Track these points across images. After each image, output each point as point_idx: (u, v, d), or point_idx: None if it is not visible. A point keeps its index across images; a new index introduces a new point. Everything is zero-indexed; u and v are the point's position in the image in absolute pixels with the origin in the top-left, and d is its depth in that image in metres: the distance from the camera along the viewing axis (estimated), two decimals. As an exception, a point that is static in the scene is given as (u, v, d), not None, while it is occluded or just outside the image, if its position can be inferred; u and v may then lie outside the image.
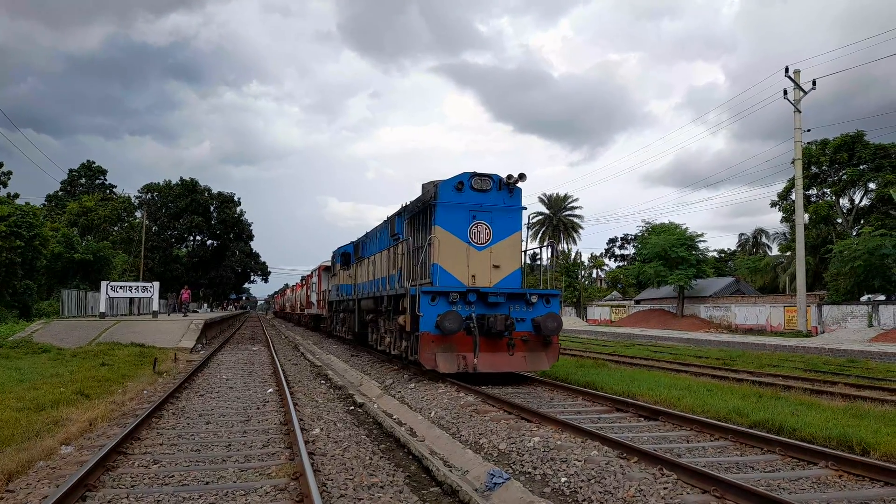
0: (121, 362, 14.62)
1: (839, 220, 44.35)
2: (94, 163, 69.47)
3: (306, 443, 6.78)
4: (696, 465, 5.71)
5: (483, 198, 11.91)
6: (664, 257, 42.56)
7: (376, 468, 6.17)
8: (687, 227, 45.09)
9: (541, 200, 71.45)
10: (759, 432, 7.15)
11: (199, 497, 5.17)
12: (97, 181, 69.09)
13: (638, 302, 54.02)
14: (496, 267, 11.84)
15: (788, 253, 47.84)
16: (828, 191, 44.07)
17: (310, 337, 29.66)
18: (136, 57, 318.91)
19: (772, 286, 51.27)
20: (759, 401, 9.25)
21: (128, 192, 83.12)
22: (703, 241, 44.82)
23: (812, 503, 5.06)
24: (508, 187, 12.04)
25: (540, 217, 71.02)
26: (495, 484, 5.44)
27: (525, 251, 12.66)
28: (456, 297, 11.00)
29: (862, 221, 42.09)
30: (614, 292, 69.96)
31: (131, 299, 31.76)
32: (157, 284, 29.34)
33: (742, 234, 73.62)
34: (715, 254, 63.91)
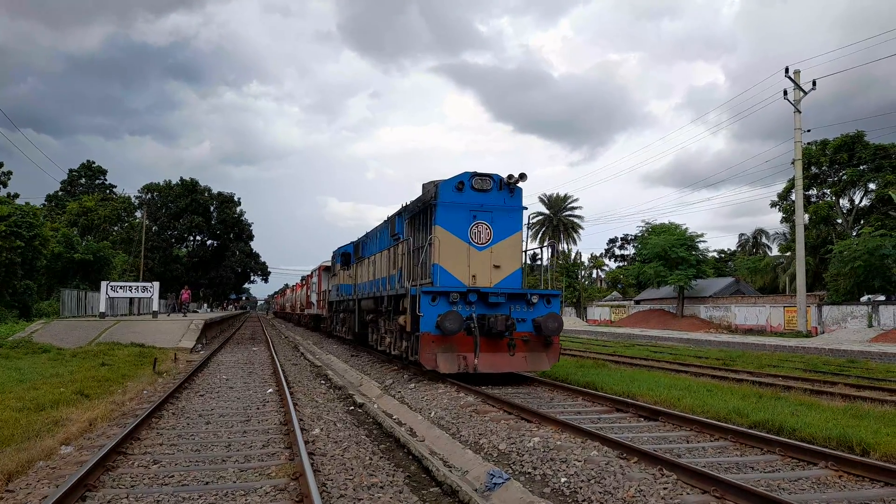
0: (121, 362, 14.62)
1: (839, 221, 44.36)
2: (94, 163, 69.54)
3: (306, 443, 6.78)
4: (696, 465, 5.70)
5: (484, 198, 11.90)
6: (664, 257, 42.57)
7: (376, 468, 6.17)
8: (687, 228, 45.15)
9: (541, 200, 71.54)
10: (759, 433, 7.15)
11: (198, 497, 5.17)
12: (97, 181, 69.12)
13: (638, 302, 54.03)
14: (497, 267, 11.84)
15: (788, 253, 47.84)
16: (828, 191, 44.09)
17: (310, 337, 29.66)
18: (136, 57, 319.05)
19: (772, 286, 51.28)
20: (758, 401, 9.25)
21: (128, 192, 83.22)
22: (703, 241, 44.88)
23: (812, 503, 5.06)
24: (509, 187, 12.03)
25: (540, 217, 71.08)
26: (495, 484, 5.44)
27: (525, 251, 12.66)
28: (456, 298, 10.99)
29: (862, 222, 42.11)
30: (614, 292, 69.98)
31: (131, 299, 31.77)
32: (157, 284, 29.34)
33: (742, 234, 73.73)
34: (715, 254, 63.99)
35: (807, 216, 40.20)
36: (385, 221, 15.88)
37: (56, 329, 20.85)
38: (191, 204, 70.90)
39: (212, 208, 74.94)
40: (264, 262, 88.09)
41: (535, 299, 11.50)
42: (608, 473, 5.54)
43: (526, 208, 12.54)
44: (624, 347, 24.49)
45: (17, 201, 39.42)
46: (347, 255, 20.76)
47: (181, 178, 74.51)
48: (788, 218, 44.77)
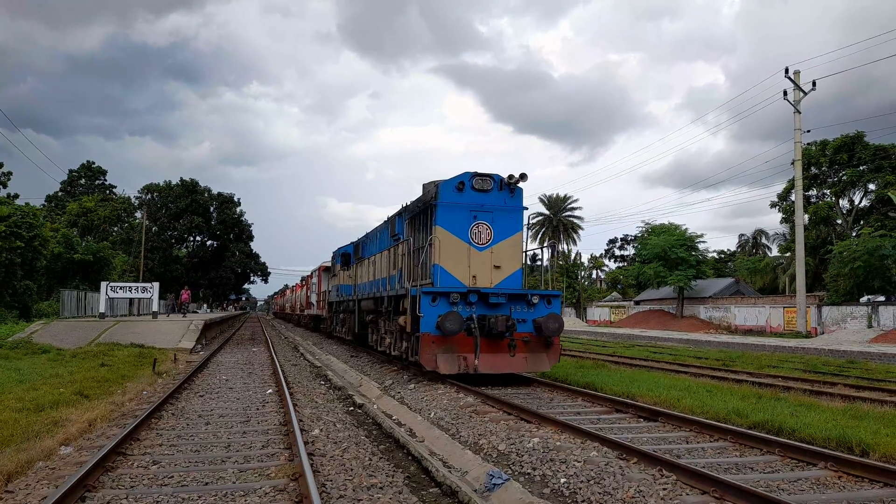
0: (120, 363, 14.62)
1: (839, 221, 44.37)
2: (93, 163, 69.51)
3: (306, 443, 6.78)
4: (696, 465, 5.70)
5: (484, 198, 11.88)
6: (664, 258, 42.57)
7: (376, 469, 6.17)
8: (687, 228, 45.16)
9: (541, 201, 71.56)
10: (758, 433, 7.15)
11: (198, 498, 5.17)
12: (97, 181, 69.10)
13: (637, 303, 54.01)
14: (497, 267, 11.82)
15: (788, 254, 47.83)
16: (827, 192, 44.10)
17: (309, 338, 29.66)
18: (135, 57, 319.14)
19: (771, 287, 51.28)
20: (758, 402, 9.26)
21: (128, 192, 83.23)
22: (703, 241, 44.88)
23: (811, 504, 5.07)
24: (509, 187, 12.01)
25: (540, 218, 71.10)
26: (494, 485, 5.44)
27: (525, 252, 12.65)
28: (457, 298, 10.97)
29: (861, 222, 42.11)
30: (614, 293, 69.99)
31: (131, 300, 31.76)
32: (156, 285, 29.33)
33: (742, 234, 73.72)
34: (714, 255, 63.97)
35: (806, 217, 40.20)
36: (385, 222, 15.87)
37: (56, 329, 20.85)
38: (191, 204, 70.90)
39: (212, 209, 74.94)
40: (264, 263, 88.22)
41: (535, 300, 11.49)
42: (608, 474, 5.54)
43: (526, 208, 12.53)
44: (623, 348, 24.48)
45: (17, 202, 39.45)
46: (347, 256, 20.76)
47: (181, 178, 74.54)
48: (788, 218, 44.77)
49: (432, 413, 8.92)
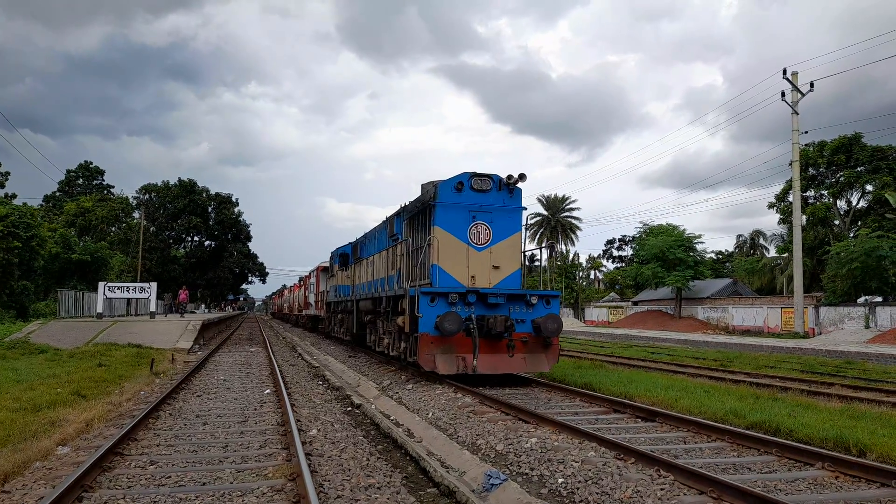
0: (118, 363, 14.60)
1: (836, 222, 44.44)
2: (91, 163, 69.42)
3: (303, 444, 6.78)
4: (693, 466, 5.71)
5: (483, 198, 11.87)
6: (662, 259, 42.60)
7: (373, 469, 6.17)
8: (685, 229, 45.19)
9: (539, 201, 71.58)
10: (755, 433, 7.16)
11: (195, 498, 5.16)
12: (95, 181, 69.00)
13: (636, 303, 54.05)
14: (496, 268, 11.82)
15: (786, 254, 47.92)
16: (825, 192, 44.16)
17: (307, 338, 29.63)
18: (134, 57, 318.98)
19: (769, 287, 51.36)
20: (756, 402, 9.27)
21: (126, 192, 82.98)
22: (701, 242, 44.91)
23: (809, 504, 5.07)
24: (508, 187, 12.00)
25: (538, 218, 71.14)
26: (492, 485, 5.44)
27: (524, 252, 12.64)
28: (455, 298, 10.96)
29: (859, 223, 42.18)
30: (612, 293, 70.03)
31: (129, 300, 31.69)
32: (154, 285, 29.28)
33: (740, 235, 73.79)
34: (712, 255, 64.01)
35: (804, 217, 40.28)
36: (384, 222, 15.87)
37: (53, 329, 20.80)
38: (189, 204, 70.80)
39: (210, 209, 74.85)
40: (262, 263, 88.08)
41: (534, 300, 11.48)
42: (605, 474, 5.54)
43: (525, 209, 12.51)
44: (621, 348, 24.50)
45: (15, 202, 39.35)
46: (346, 256, 20.73)
47: (179, 178, 74.45)
48: (786, 219, 44.86)
49: (430, 413, 8.91)
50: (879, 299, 31.97)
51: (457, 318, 10.60)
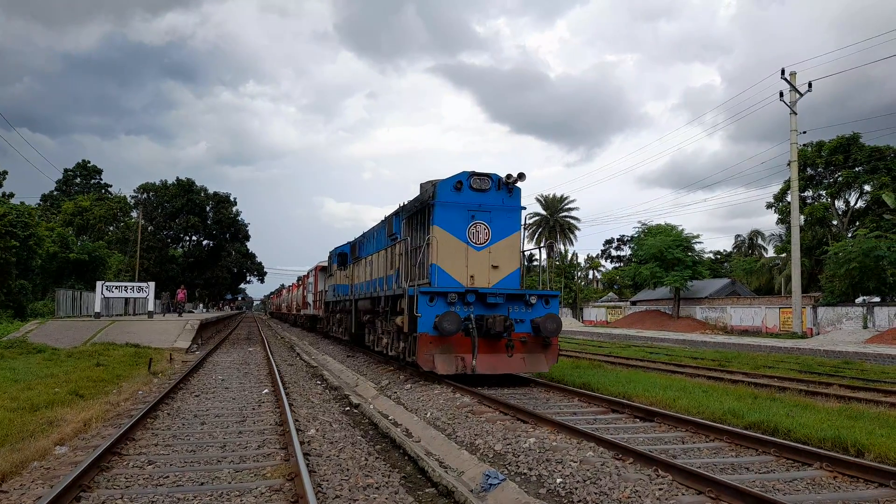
0: (116, 363, 14.57)
1: (834, 222, 44.50)
2: (89, 162, 69.43)
3: (302, 443, 6.77)
4: (692, 466, 5.71)
5: (482, 197, 11.84)
6: (660, 259, 42.63)
7: (372, 469, 6.17)
8: (683, 229, 45.22)
9: (538, 201, 71.57)
10: (754, 433, 7.16)
11: (193, 498, 5.15)
12: (93, 181, 68.95)
13: (634, 303, 54.09)
14: (495, 267, 11.80)
15: (784, 255, 47.97)
16: (823, 193, 44.22)
17: (306, 338, 29.61)
18: (132, 56, 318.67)
19: (767, 288, 51.40)
20: (754, 402, 9.28)
21: (123, 191, 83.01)
22: (699, 242, 44.99)
23: (807, 504, 5.08)
24: (507, 187, 11.97)
25: (537, 218, 71.12)
26: (491, 485, 5.44)
27: (523, 251, 12.63)
28: (454, 298, 10.94)
29: (857, 223, 42.23)
30: (610, 293, 70.07)
31: (127, 299, 31.65)
32: (152, 284, 29.26)
33: (738, 235, 73.82)
34: (711, 255, 64.08)
35: (802, 218, 40.31)
36: (382, 221, 15.85)
37: (51, 329, 20.76)
38: (187, 204, 70.72)
39: (208, 208, 74.77)
40: (260, 263, 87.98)
41: (533, 300, 11.46)
42: (604, 474, 5.54)
43: (524, 208, 12.50)
44: (620, 348, 24.52)
45: (13, 201, 39.30)
46: (344, 256, 20.71)
47: (177, 177, 74.44)
48: (784, 219, 44.90)
49: (429, 413, 8.91)
50: (877, 299, 32.02)
51: (456, 318, 10.58)
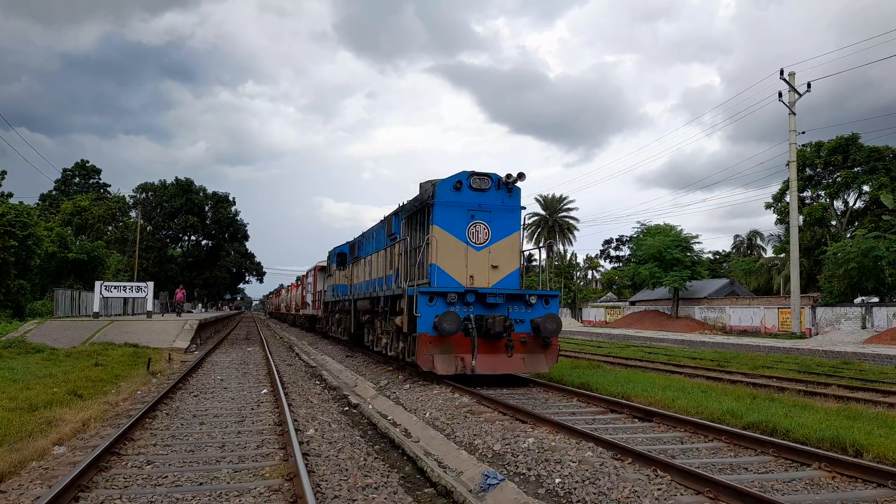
0: (114, 362, 14.56)
1: (833, 223, 44.53)
2: (88, 162, 69.36)
3: (300, 443, 6.77)
4: (690, 466, 5.72)
5: (482, 197, 11.83)
6: (659, 259, 42.65)
7: (371, 469, 6.17)
8: (682, 229, 45.21)
9: (537, 201, 71.58)
10: (752, 434, 7.17)
11: (192, 498, 5.15)
12: (91, 180, 68.88)
13: (633, 303, 54.11)
14: (495, 267, 11.79)
15: (783, 255, 47.99)
16: (822, 193, 44.26)
17: (305, 338, 29.60)
18: (130, 56, 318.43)
19: (766, 288, 51.43)
20: (752, 402, 9.28)
21: (122, 191, 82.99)
22: (698, 242, 45.04)
23: (805, 504, 5.08)
24: (507, 187, 11.96)
25: (536, 218, 71.14)
26: (490, 485, 5.44)
27: (523, 251, 12.62)
28: (454, 298, 10.93)
29: (856, 224, 42.26)
30: (609, 293, 70.08)
31: (125, 299, 31.64)
32: (151, 284, 29.24)
33: (737, 235, 73.91)
34: (710, 255, 64.12)
35: (801, 218, 40.33)
36: (381, 221, 15.85)
37: (49, 329, 20.74)
38: (185, 204, 70.68)
39: (207, 208, 74.73)
40: (259, 263, 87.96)
41: (533, 300, 11.45)
42: (603, 474, 5.55)
43: (524, 208, 12.48)
44: (619, 348, 24.52)
45: (11, 200, 39.25)
46: (343, 256, 20.70)
47: (176, 177, 74.38)
48: (783, 220, 44.92)
49: (427, 413, 8.91)
50: (876, 300, 32.05)
51: (455, 318, 10.57)
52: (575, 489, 5.32)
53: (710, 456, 6.57)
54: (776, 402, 9.44)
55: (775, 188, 46.75)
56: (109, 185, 69.16)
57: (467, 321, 10.76)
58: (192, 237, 75.85)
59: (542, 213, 71.60)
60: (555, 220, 71.05)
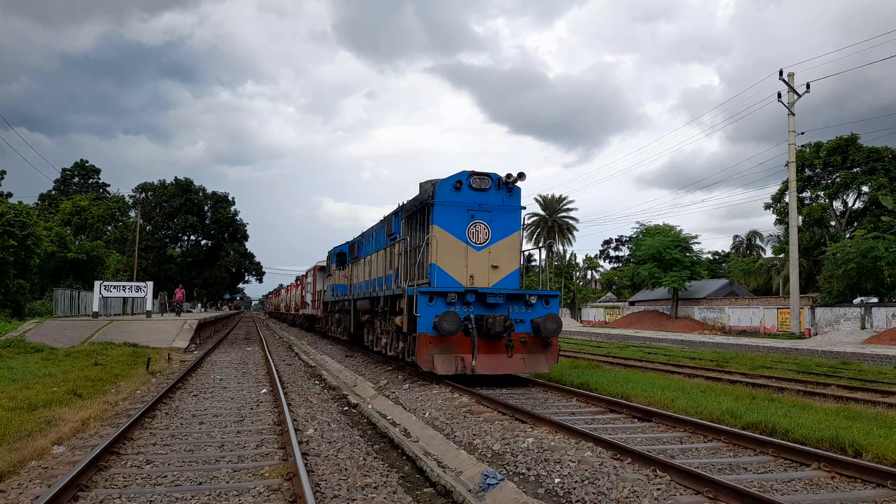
0: (114, 362, 14.55)
1: (832, 223, 44.56)
2: (87, 162, 69.21)
3: (300, 443, 6.77)
4: (690, 466, 5.72)
5: (482, 197, 11.82)
6: (658, 259, 42.68)
7: (370, 469, 6.16)
8: (681, 229, 45.25)
9: (536, 201, 71.58)
10: (752, 434, 7.17)
11: (191, 497, 5.15)
12: (91, 180, 68.79)
13: (632, 303, 54.13)
14: (495, 267, 11.78)
15: (782, 255, 48.00)
16: (821, 193, 44.28)
17: (304, 337, 29.59)
18: (130, 56, 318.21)
19: (765, 288, 51.45)
20: (752, 402, 9.28)
21: (122, 191, 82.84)
22: (698, 242, 45.01)
23: (805, 504, 5.08)
24: (507, 186, 11.94)
25: (535, 218, 71.15)
26: (489, 485, 5.44)
27: (523, 251, 12.61)
28: (454, 298, 10.92)
29: (855, 224, 42.30)
30: (609, 294, 70.10)
31: (125, 299, 31.61)
32: (150, 284, 29.22)
33: (736, 236, 73.93)
34: (709, 256, 64.13)
35: (800, 218, 40.36)
36: (381, 221, 15.84)
37: (49, 328, 20.73)
38: (185, 203, 70.67)
39: (206, 208, 74.72)
40: (259, 262, 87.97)
41: (533, 300, 11.44)
42: (602, 474, 5.55)
43: (524, 208, 12.47)
44: (618, 348, 24.53)
45: (11, 200, 39.23)
46: (343, 255, 20.70)
47: (175, 177, 74.43)
48: (782, 220, 44.93)
49: (427, 413, 8.91)
50: (875, 300, 32.07)
51: (455, 318, 10.57)
52: (574, 489, 5.32)
53: (710, 456, 6.57)
54: (775, 402, 9.44)
55: (775, 188, 46.70)
56: (109, 185, 69.14)
57: (467, 321, 10.75)
58: (192, 237, 75.88)
59: (542, 213, 71.60)
60: (554, 220, 71.05)
